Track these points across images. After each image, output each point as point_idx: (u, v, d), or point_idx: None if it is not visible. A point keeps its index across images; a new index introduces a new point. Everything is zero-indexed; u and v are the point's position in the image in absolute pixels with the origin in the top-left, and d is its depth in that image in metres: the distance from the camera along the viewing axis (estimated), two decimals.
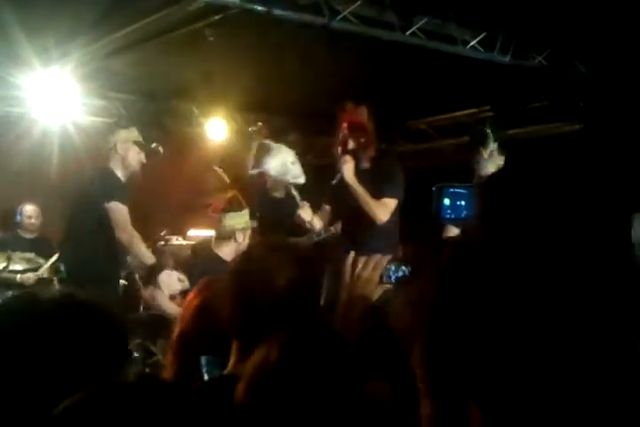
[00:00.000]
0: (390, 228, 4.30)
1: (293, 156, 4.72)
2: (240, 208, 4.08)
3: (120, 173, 4.35)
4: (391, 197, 4.30)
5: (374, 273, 1.84)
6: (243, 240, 4.04)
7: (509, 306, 0.70)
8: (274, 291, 1.61)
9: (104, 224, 4.13)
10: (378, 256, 1.87)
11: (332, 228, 5.01)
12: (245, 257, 1.74)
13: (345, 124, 4.28)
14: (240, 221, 4.06)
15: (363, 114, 4.27)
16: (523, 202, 0.80)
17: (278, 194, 5.58)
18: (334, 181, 4.28)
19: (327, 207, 4.59)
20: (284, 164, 4.68)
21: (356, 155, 4.29)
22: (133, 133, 4.48)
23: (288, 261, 1.65)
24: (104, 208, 4.12)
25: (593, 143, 5.29)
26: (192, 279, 3.81)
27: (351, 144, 4.30)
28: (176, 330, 1.97)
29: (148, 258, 4.13)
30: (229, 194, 4.10)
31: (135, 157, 4.38)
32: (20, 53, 4.81)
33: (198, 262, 4.15)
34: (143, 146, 4.47)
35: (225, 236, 4.01)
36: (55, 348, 1.16)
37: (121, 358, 1.25)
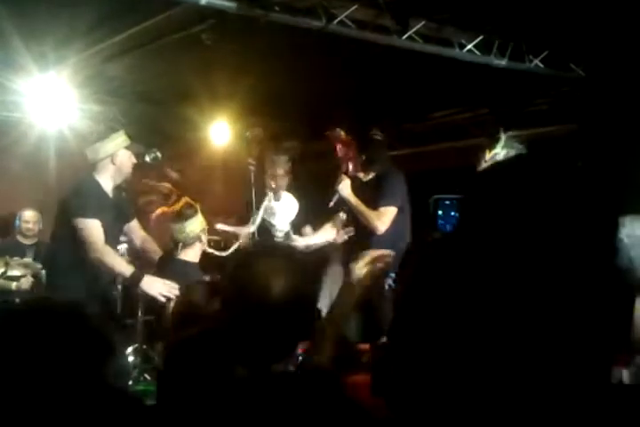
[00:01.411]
0: (390, 239, 4.30)
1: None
2: (195, 212, 4.12)
3: (109, 183, 4.20)
4: (386, 205, 4.35)
5: (375, 265, 1.86)
6: (205, 239, 4.18)
7: (475, 304, 0.70)
8: (271, 297, 1.60)
9: (73, 238, 4.03)
10: (384, 251, 1.89)
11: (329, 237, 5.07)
12: (242, 263, 1.73)
13: (336, 151, 4.48)
14: (199, 223, 4.14)
15: (339, 133, 4.43)
16: (504, 204, 0.80)
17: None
18: (331, 204, 4.45)
19: (342, 215, 4.68)
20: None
21: (349, 173, 4.48)
22: (123, 137, 4.27)
23: (285, 268, 1.65)
24: (74, 224, 4.01)
25: (587, 146, 5.29)
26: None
27: (344, 167, 4.50)
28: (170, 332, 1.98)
29: (125, 269, 3.97)
30: (182, 202, 4.11)
31: (130, 164, 4.24)
32: (17, 59, 4.81)
33: (167, 269, 4.14)
34: (132, 146, 4.30)
35: (191, 242, 4.11)
36: (30, 348, 1.18)
37: (99, 357, 1.26)
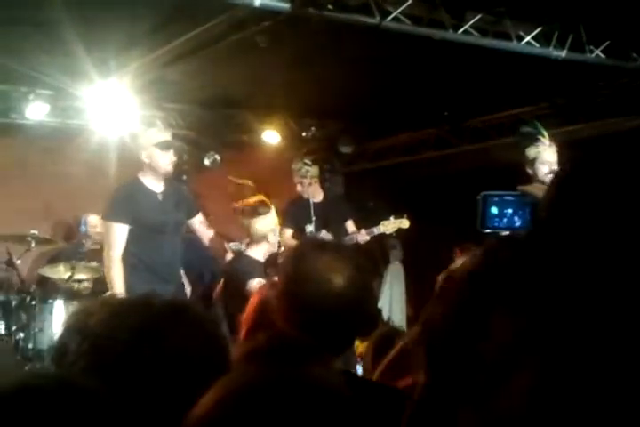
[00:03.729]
0: None
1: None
2: (267, 210, 4.14)
3: (151, 180, 4.27)
4: None
5: None
6: (274, 240, 4.16)
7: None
8: (330, 292, 1.59)
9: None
10: None
11: None
12: (299, 259, 1.69)
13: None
14: (270, 222, 4.14)
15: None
16: (602, 202, 0.72)
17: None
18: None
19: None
20: None
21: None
22: (153, 136, 4.29)
23: (343, 262, 1.63)
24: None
25: None
26: (232, 284, 3.92)
27: None
28: (242, 331, 1.98)
29: (116, 288, 3.97)
30: (255, 199, 4.15)
31: (160, 160, 4.22)
32: (79, 66, 4.93)
33: (234, 263, 4.20)
34: (167, 143, 4.28)
35: (259, 240, 4.11)
36: (167, 351, 1.10)
37: (221, 367, 1.15)
